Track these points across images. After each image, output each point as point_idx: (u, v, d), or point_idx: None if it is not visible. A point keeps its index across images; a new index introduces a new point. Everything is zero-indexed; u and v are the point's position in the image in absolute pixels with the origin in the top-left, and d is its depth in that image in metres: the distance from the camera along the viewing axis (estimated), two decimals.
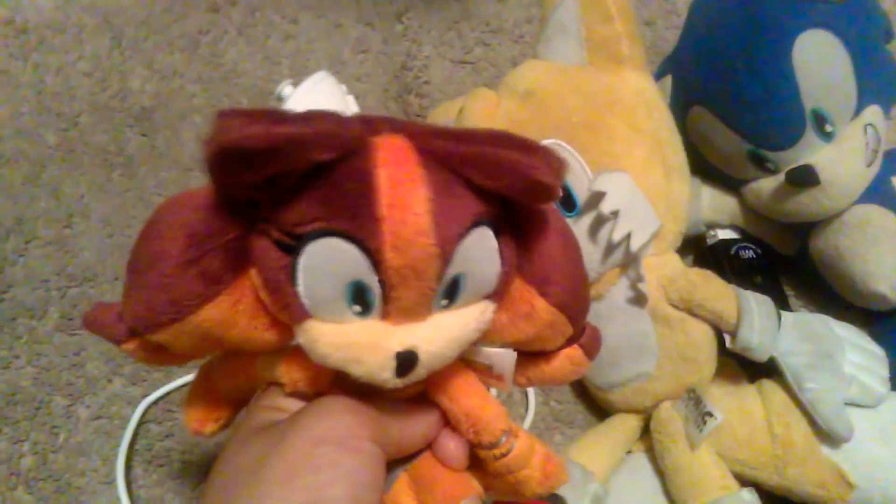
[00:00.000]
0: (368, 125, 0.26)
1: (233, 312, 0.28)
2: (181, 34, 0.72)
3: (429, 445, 0.34)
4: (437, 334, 0.28)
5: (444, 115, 0.62)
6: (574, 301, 0.33)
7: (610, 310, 0.51)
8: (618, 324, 0.50)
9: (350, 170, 0.25)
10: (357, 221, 0.25)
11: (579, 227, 0.49)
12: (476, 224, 0.27)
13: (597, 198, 0.47)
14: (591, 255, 0.49)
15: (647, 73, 0.53)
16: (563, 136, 0.51)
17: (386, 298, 0.27)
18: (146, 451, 0.55)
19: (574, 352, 0.35)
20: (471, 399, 0.33)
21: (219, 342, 0.29)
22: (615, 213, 0.47)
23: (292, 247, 0.26)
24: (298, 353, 0.30)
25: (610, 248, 0.48)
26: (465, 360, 0.34)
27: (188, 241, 0.27)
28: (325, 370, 0.30)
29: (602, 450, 0.50)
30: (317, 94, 0.65)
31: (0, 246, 0.61)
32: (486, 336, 0.32)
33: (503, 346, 0.33)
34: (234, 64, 0.71)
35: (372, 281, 0.26)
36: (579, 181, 0.50)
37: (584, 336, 0.35)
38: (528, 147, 0.26)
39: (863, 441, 0.46)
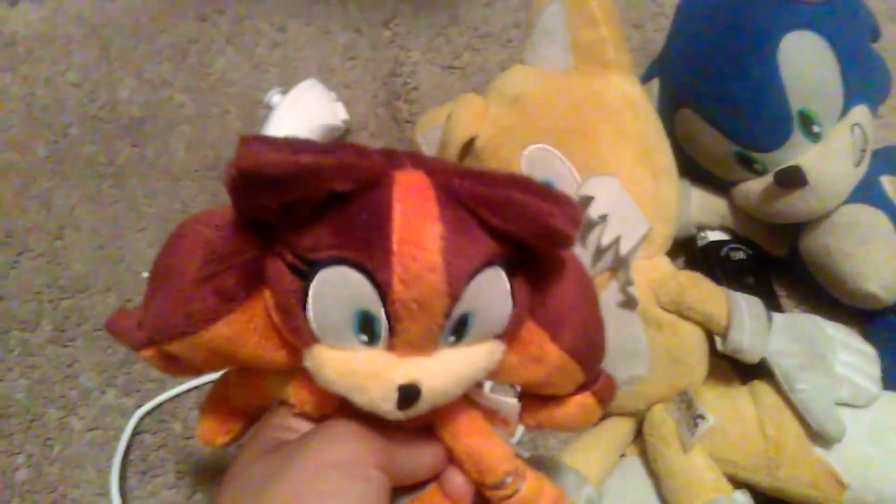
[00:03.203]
0: (390, 158, 0.27)
1: (244, 331, 0.29)
2: (169, 44, 0.72)
3: (436, 477, 0.34)
4: (441, 370, 0.28)
5: (432, 122, 0.62)
6: (587, 347, 0.33)
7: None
8: (608, 327, 0.49)
9: (367, 201, 0.26)
10: (368, 253, 0.26)
11: None
12: (488, 264, 0.27)
13: (585, 202, 0.47)
14: (580, 259, 0.49)
15: (633, 77, 0.53)
16: (551, 140, 0.51)
17: (392, 330, 0.27)
18: (140, 462, 0.55)
19: (586, 399, 0.35)
20: (474, 438, 0.33)
21: (230, 359, 0.30)
22: (604, 217, 0.47)
23: (305, 272, 0.26)
24: (307, 375, 0.30)
25: (599, 252, 0.48)
26: (471, 401, 0.33)
27: (206, 258, 0.27)
28: (333, 397, 0.30)
29: (595, 454, 0.50)
30: (306, 101, 0.65)
31: None
32: (495, 376, 0.32)
33: (512, 386, 0.34)
34: (222, 73, 0.71)
35: (379, 312, 0.26)
36: (567, 185, 0.50)
37: (597, 383, 0.35)
38: (546, 193, 0.27)
39: (855, 441, 0.46)
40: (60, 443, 0.55)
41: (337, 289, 0.26)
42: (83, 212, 0.64)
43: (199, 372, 0.33)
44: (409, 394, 0.27)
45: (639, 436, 0.52)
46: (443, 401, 0.29)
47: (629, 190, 0.49)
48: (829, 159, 0.51)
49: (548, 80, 0.53)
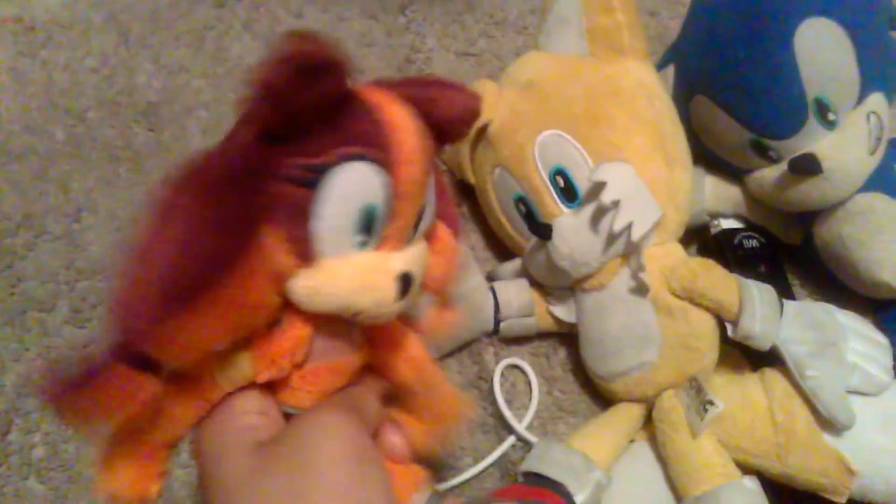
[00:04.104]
0: None
1: (256, 267, 0.28)
2: (187, 30, 0.72)
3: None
4: (415, 259, 0.32)
5: None
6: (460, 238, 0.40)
7: (612, 299, 0.51)
8: (620, 313, 0.50)
9: (356, 105, 0.29)
10: (373, 144, 0.29)
11: (581, 217, 0.49)
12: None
13: (598, 188, 0.47)
14: (592, 244, 0.49)
15: (648, 63, 0.53)
16: (565, 126, 0.51)
17: (389, 220, 0.30)
18: None
19: (452, 313, 0.42)
20: (413, 345, 0.37)
21: (238, 313, 0.28)
22: (616, 203, 0.47)
23: (313, 180, 0.28)
24: (263, 338, 0.31)
25: (611, 238, 0.49)
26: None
27: (210, 196, 0.26)
28: (294, 347, 0.31)
29: (605, 438, 0.50)
30: None
31: (10, 241, 0.61)
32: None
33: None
34: (239, 58, 0.71)
35: (383, 201, 0.29)
36: (580, 171, 0.50)
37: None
38: (458, 84, 0.35)
39: (865, 429, 0.46)
40: None
41: (348, 185, 0.28)
42: (100, 195, 0.64)
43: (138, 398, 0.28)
44: (406, 281, 0.31)
45: (648, 421, 0.52)
46: (416, 288, 0.33)
47: (642, 176, 0.49)
48: (844, 147, 0.50)
49: (562, 66, 0.53)
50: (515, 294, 0.56)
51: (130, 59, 0.71)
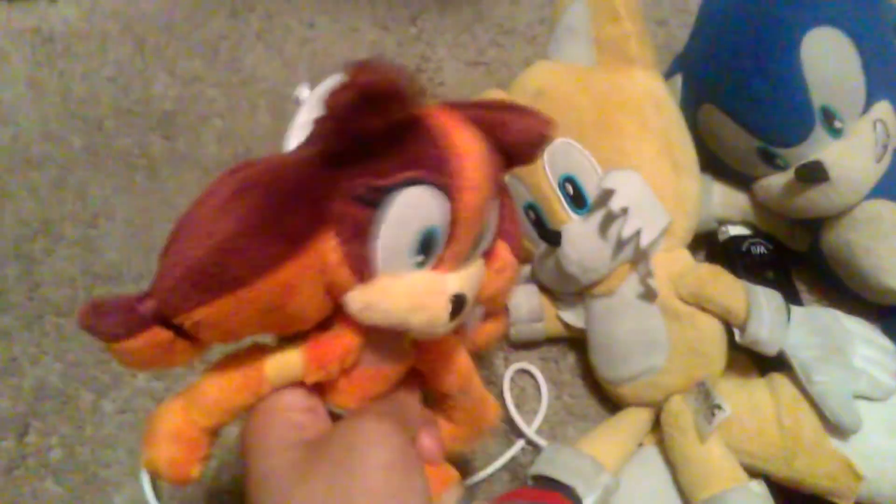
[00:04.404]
0: None
1: (303, 277, 0.29)
2: (201, 40, 0.74)
3: None
4: (471, 280, 0.33)
5: None
6: (521, 257, 0.40)
7: (621, 305, 0.51)
8: (628, 319, 0.51)
9: (422, 127, 0.30)
10: (438, 169, 0.29)
11: (589, 224, 0.50)
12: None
13: (607, 195, 0.48)
14: (601, 251, 0.50)
15: (656, 72, 0.54)
16: (574, 135, 0.51)
17: (448, 243, 0.31)
18: None
19: (501, 324, 0.45)
20: (461, 355, 0.38)
21: (272, 314, 0.29)
22: (625, 210, 0.48)
23: (376, 201, 0.28)
24: (317, 339, 0.32)
25: (620, 245, 0.49)
26: None
27: (273, 198, 0.27)
28: (344, 353, 0.32)
29: (613, 442, 0.51)
30: None
31: (28, 246, 0.63)
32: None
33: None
34: (252, 68, 0.73)
35: (444, 225, 0.30)
36: (589, 179, 0.50)
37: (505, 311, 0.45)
38: (528, 110, 0.36)
39: (872, 433, 0.47)
40: (93, 424, 0.57)
41: (412, 208, 0.29)
42: (117, 202, 0.65)
43: (189, 357, 0.30)
44: (459, 302, 0.31)
45: (656, 425, 0.53)
46: (470, 308, 0.33)
47: (650, 184, 0.49)
48: (851, 155, 0.51)
49: (571, 75, 0.54)
50: (525, 299, 0.56)
51: (146, 69, 0.72)
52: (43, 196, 0.65)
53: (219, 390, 0.32)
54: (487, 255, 0.36)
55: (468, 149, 0.30)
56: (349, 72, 0.25)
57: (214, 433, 0.33)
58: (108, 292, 0.61)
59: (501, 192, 0.37)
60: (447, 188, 0.29)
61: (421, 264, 0.31)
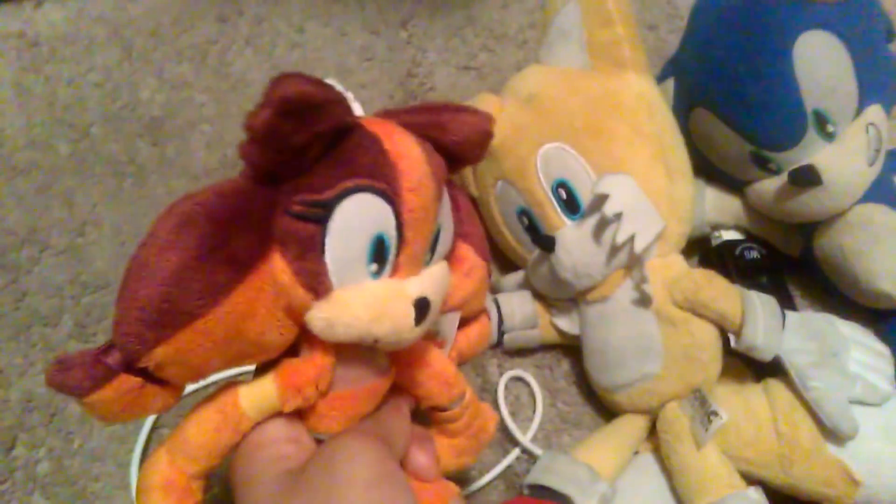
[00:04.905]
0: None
1: (255, 302, 0.29)
2: (190, 45, 0.73)
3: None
4: (433, 282, 0.32)
5: None
6: (487, 249, 0.40)
7: (615, 311, 0.51)
8: (623, 325, 0.51)
9: (355, 138, 0.30)
10: (377, 175, 0.29)
11: (583, 229, 0.49)
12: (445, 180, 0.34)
13: (600, 200, 0.48)
14: (595, 256, 0.49)
15: (648, 76, 0.54)
16: (566, 139, 0.51)
17: (400, 248, 0.30)
18: None
19: (483, 324, 0.43)
20: (440, 362, 0.37)
21: (233, 343, 0.29)
22: (618, 215, 0.47)
23: (320, 215, 0.28)
24: (287, 366, 0.32)
25: (614, 250, 0.49)
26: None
27: (216, 228, 0.27)
28: (318, 375, 0.31)
29: (609, 450, 0.51)
30: None
31: (14, 255, 0.62)
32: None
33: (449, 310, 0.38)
34: (242, 73, 0.72)
35: (392, 230, 0.30)
36: (582, 184, 0.50)
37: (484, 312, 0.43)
38: (468, 108, 0.36)
39: (868, 439, 0.47)
40: (81, 436, 0.56)
41: (356, 217, 0.29)
42: (104, 209, 0.65)
43: (166, 404, 0.30)
44: (423, 306, 0.31)
45: (652, 433, 0.52)
46: (436, 314, 0.33)
47: (644, 188, 0.49)
48: (844, 158, 0.51)
49: (563, 79, 0.54)
50: (519, 306, 0.56)
51: (134, 74, 0.71)
52: (29, 204, 0.64)
53: (199, 433, 0.31)
54: (452, 258, 0.37)
55: (402, 151, 0.30)
56: (265, 90, 0.25)
57: (204, 477, 0.32)
58: (96, 301, 0.61)
59: (456, 193, 0.37)
60: (387, 192, 0.29)
61: (377, 273, 0.30)
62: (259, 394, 0.31)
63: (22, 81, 0.70)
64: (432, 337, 0.38)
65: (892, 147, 0.55)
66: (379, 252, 0.30)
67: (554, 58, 0.56)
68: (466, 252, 0.38)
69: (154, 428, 0.56)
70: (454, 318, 0.38)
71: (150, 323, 0.26)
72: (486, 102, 0.56)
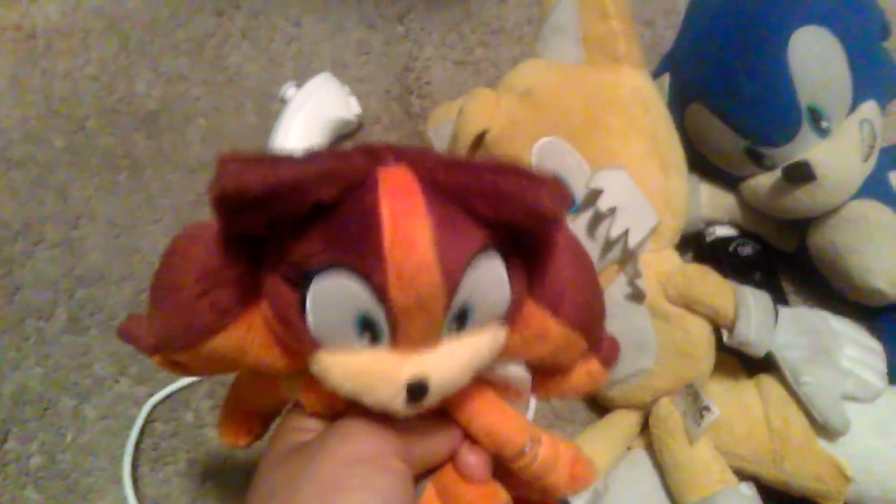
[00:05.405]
0: (371, 155, 0.27)
1: (244, 341, 0.29)
2: (186, 38, 0.73)
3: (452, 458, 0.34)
4: (448, 362, 0.28)
5: (444, 116, 0.63)
6: (588, 317, 0.33)
7: (608, 306, 0.50)
8: (616, 320, 0.51)
9: (353, 205, 0.25)
10: (362, 257, 0.25)
11: (577, 224, 0.49)
12: (482, 252, 0.27)
13: (594, 195, 0.48)
14: (589, 251, 0.49)
15: (644, 71, 0.54)
16: (562, 133, 0.51)
17: (393, 330, 0.27)
18: (152, 450, 0.55)
19: (592, 365, 0.36)
20: (489, 416, 0.33)
21: (235, 366, 0.30)
22: (612, 210, 0.47)
23: (299, 282, 0.26)
24: (314, 378, 0.30)
25: (608, 245, 0.49)
26: (482, 379, 0.33)
27: (199, 274, 0.27)
28: (332, 396, 0.31)
29: (602, 446, 0.51)
30: (320, 95, 0.66)
31: (8, 248, 0.62)
32: (501, 356, 0.32)
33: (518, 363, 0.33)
34: (238, 67, 0.72)
35: (378, 314, 0.26)
36: (577, 179, 0.50)
37: (602, 349, 0.36)
38: (530, 175, 0.26)
39: (860, 434, 0.47)
40: (74, 430, 0.56)
41: (334, 295, 0.26)
42: (99, 203, 0.65)
43: (210, 374, 0.35)
44: (417, 390, 0.27)
45: (645, 428, 0.52)
46: (452, 391, 0.29)
47: (638, 183, 0.49)
48: (838, 154, 0.51)
49: (559, 74, 0.54)
50: None
51: (130, 67, 0.71)
52: (23, 197, 0.64)
53: (247, 381, 0.37)
54: (514, 320, 0.31)
55: (403, 234, 0.25)
56: (216, 170, 0.23)
57: (261, 415, 0.39)
58: (90, 295, 0.61)
59: (546, 243, 0.31)
60: (372, 277, 0.25)
61: (372, 342, 0.27)
62: (291, 386, 0.33)
63: (18, 74, 0.70)
64: (504, 387, 0.34)
65: (887, 144, 0.55)
66: (368, 327, 0.27)
67: (550, 52, 0.56)
68: (537, 315, 0.31)
69: (146, 422, 0.56)
70: (523, 376, 0.33)
71: (161, 344, 0.30)
72: (481, 97, 0.56)
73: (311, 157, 0.24)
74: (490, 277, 0.28)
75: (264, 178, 0.23)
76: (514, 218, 0.27)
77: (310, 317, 0.27)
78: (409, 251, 0.25)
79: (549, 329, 0.32)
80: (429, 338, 0.28)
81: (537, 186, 0.26)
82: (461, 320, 0.28)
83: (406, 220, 0.25)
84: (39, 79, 0.70)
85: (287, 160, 0.24)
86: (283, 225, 0.26)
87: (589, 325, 0.33)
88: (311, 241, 0.26)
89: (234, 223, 0.26)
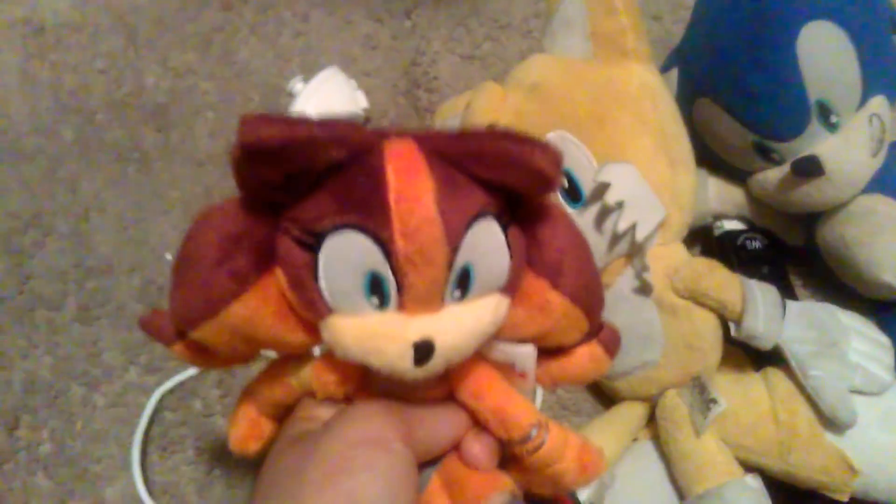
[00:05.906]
0: (378, 131, 0.29)
1: (260, 310, 0.30)
2: (195, 32, 0.73)
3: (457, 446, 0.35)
4: (452, 325, 0.29)
5: (451, 110, 0.63)
6: (587, 293, 0.34)
7: (616, 299, 0.51)
8: (624, 313, 0.51)
9: (361, 167, 0.27)
10: (368, 213, 0.27)
11: (585, 217, 0.49)
12: (481, 215, 0.29)
13: (602, 188, 0.48)
14: (596, 245, 0.49)
15: (652, 66, 0.54)
16: (569, 128, 0.51)
17: (400, 288, 0.28)
18: (161, 438, 0.56)
19: (594, 349, 0.36)
20: (496, 396, 0.33)
21: (251, 340, 0.31)
22: (620, 204, 0.47)
23: (312, 244, 0.28)
24: (327, 358, 0.32)
25: (615, 239, 0.49)
26: (488, 359, 0.34)
27: (219, 243, 0.29)
28: (353, 372, 0.32)
29: (608, 437, 0.51)
30: (327, 89, 0.66)
31: (19, 239, 0.62)
32: (505, 332, 0.32)
33: (522, 342, 0.34)
34: (246, 61, 0.72)
35: (386, 271, 0.27)
36: (585, 172, 0.50)
37: (602, 334, 0.36)
38: (526, 139, 0.28)
39: (867, 427, 0.47)
40: (84, 418, 0.56)
41: (344, 254, 0.28)
42: (109, 195, 0.65)
43: (229, 363, 0.35)
44: (423, 350, 0.28)
45: (651, 420, 0.53)
46: (456, 356, 0.30)
47: (646, 177, 0.49)
48: (847, 149, 0.51)
49: (567, 69, 0.54)
50: None
51: (138, 61, 0.71)
52: (34, 189, 0.65)
53: (262, 376, 0.37)
54: (519, 292, 0.32)
55: (406, 191, 0.27)
56: (238, 128, 0.25)
57: (272, 419, 0.38)
58: (99, 286, 0.61)
59: (540, 226, 0.33)
60: (380, 233, 0.27)
61: (381, 305, 0.28)
62: (300, 373, 0.34)
63: (27, 68, 0.70)
64: (509, 368, 0.34)
65: None
66: (377, 288, 0.28)
67: (558, 47, 0.56)
68: (538, 286, 0.33)
69: (155, 411, 0.56)
70: (528, 351, 0.34)
71: (179, 319, 0.31)
72: (489, 91, 0.56)
73: (325, 121, 0.26)
74: (490, 241, 0.30)
75: (281, 132, 0.25)
76: (512, 179, 0.29)
77: (322, 280, 0.28)
78: (413, 206, 0.27)
79: (549, 300, 0.33)
80: (433, 299, 0.29)
81: (532, 148, 0.28)
82: (464, 284, 0.29)
83: (410, 179, 0.27)
84: (49, 72, 0.70)
85: (303, 120, 0.25)
86: (296, 186, 0.27)
87: (588, 300, 0.34)
88: (322, 203, 0.27)
89: (252, 180, 0.27)
